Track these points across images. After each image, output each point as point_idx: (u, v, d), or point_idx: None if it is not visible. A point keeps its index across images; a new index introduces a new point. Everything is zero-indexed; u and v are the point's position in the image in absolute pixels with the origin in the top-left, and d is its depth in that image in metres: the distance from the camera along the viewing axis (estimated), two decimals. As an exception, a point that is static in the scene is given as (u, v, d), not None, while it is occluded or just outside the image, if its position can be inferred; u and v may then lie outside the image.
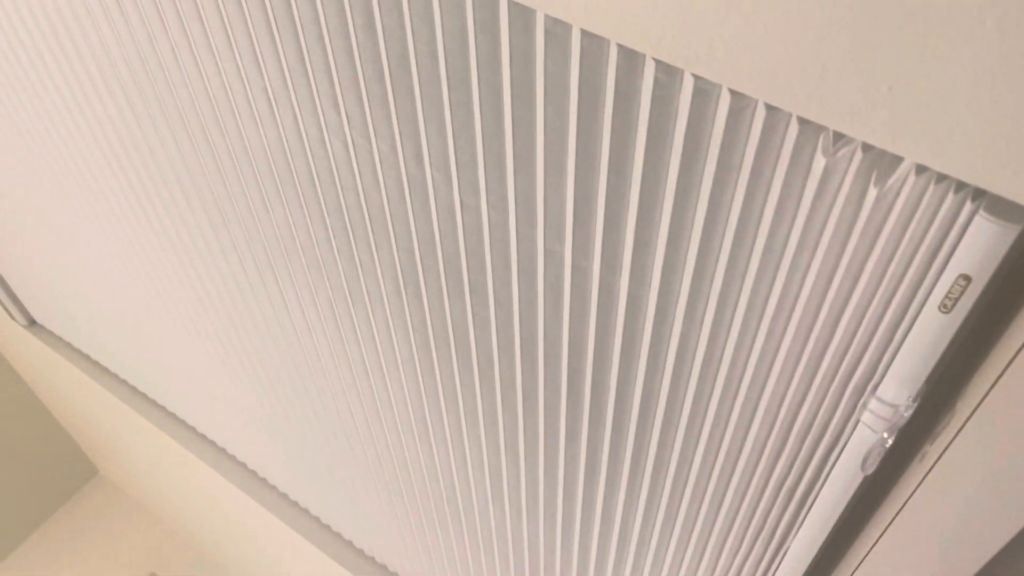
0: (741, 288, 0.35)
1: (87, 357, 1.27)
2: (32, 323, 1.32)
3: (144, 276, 0.81)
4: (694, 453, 0.46)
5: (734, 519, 0.49)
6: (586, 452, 0.53)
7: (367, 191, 0.47)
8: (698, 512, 0.51)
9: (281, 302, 0.65)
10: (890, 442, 0.35)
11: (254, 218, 0.57)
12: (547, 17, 0.31)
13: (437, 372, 0.58)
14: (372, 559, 1.04)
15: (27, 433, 1.88)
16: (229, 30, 0.44)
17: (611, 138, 0.33)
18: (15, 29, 0.59)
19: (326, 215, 0.51)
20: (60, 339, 1.30)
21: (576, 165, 0.35)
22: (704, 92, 0.29)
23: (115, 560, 1.98)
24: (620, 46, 0.30)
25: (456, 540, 0.80)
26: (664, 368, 0.42)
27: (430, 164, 0.42)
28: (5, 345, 1.59)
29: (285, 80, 0.44)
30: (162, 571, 1.94)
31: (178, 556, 1.96)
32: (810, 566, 0.46)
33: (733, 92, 0.28)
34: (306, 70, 0.42)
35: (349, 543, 1.06)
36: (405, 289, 0.52)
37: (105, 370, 1.25)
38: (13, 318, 1.32)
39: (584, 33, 0.30)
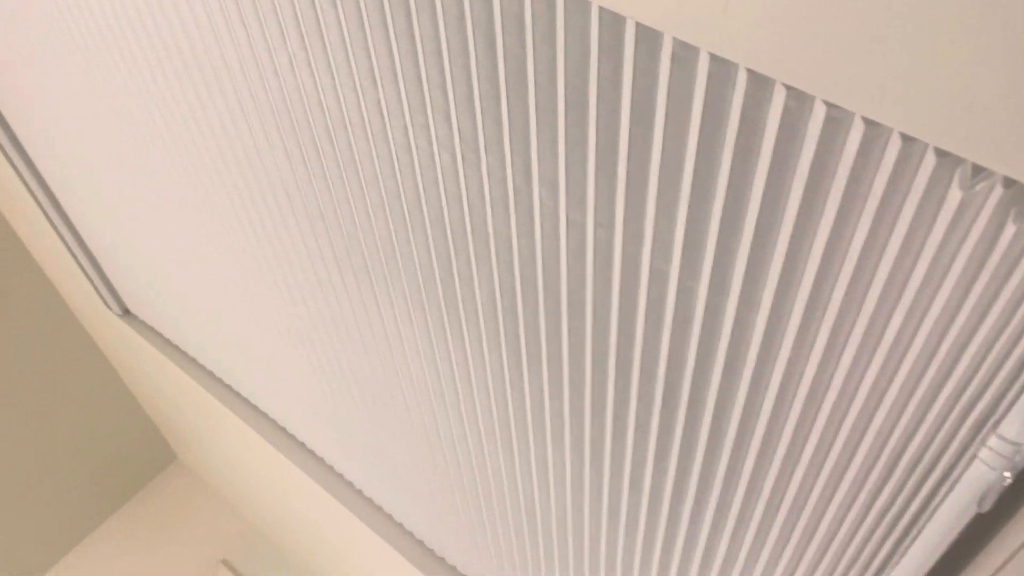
0: (857, 317, 0.35)
1: (176, 347, 1.32)
2: (125, 312, 1.38)
3: (239, 274, 0.84)
4: (791, 476, 0.46)
5: (828, 545, 0.48)
6: (675, 471, 0.53)
7: (472, 204, 0.48)
8: (790, 535, 0.50)
9: (375, 308, 0.66)
10: (1009, 480, 0.34)
11: (356, 225, 0.59)
12: (675, 40, 0.31)
13: (526, 384, 0.58)
14: (443, 560, 1.05)
15: (112, 418, 1.96)
16: (348, 44, 0.45)
17: (731, 163, 0.33)
18: (136, 33, 0.62)
19: (428, 226, 0.52)
20: (151, 329, 1.36)
21: (692, 187, 0.35)
22: (836, 120, 0.29)
23: (188, 544, 2.04)
24: (750, 71, 0.30)
25: (531, 549, 0.80)
26: (767, 391, 0.42)
27: (539, 180, 0.42)
28: (98, 332, 1.66)
29: (399, 93, 0.45)
30: (233, 558, 2.00)
31: (249, 544, 2.02)
32: (909, 601, 0.45)
33: (868, 121, 0.28)
34: (421, 84, 0.43)
35: (420, 542, 1.07)
36: (501, 301, 0.53)
37: (192, 360, 1.30)
38: (108, 307, 1.38)
39: (713, 57, 0.30)
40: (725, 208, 0.35)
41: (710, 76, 0.31)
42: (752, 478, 0.48)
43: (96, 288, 1.32)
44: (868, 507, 0.43)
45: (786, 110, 0.30)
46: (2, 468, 1.79)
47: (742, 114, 0.31)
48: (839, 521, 0.46)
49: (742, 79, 0.30)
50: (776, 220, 0.34)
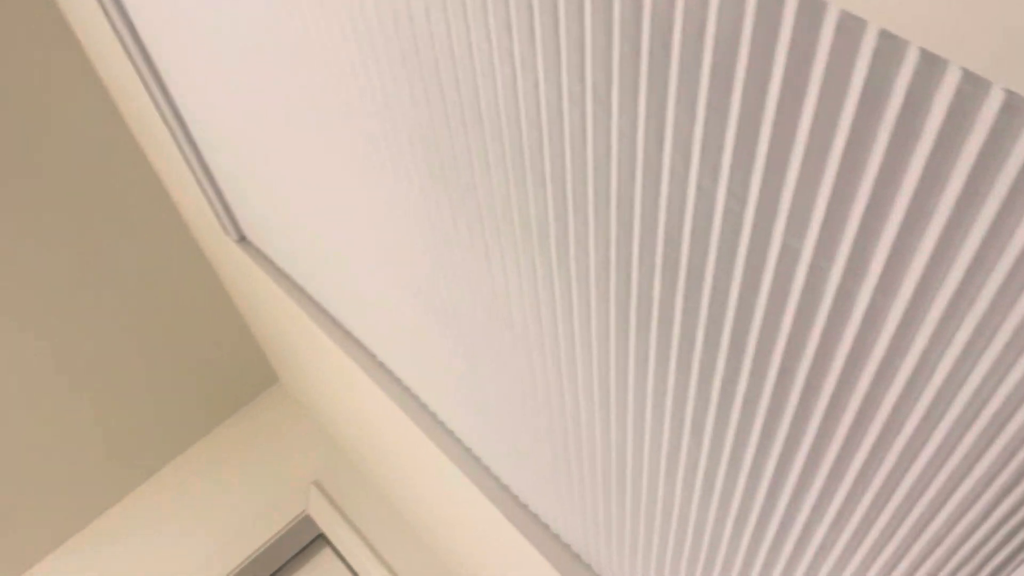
0: (1007, 316, 0.32)
1: (286, 276, 1.37)
2: (242, 239, 1.44)
3: (354, 213, 0.86)
4: (906, 471, 0.44)
5: (937, 544, 0.47)
6: (780, 454, 0.51)
7: (597, 163, 0.47)
8: (896, 528, 0.49)
9: (484, 258, 0.67)
10: None
11: (474, 175, 0.59)
12: (842, 12, 0.29)
13: (631, 349, 0.58)
14: (526, 507, 1.07)
15: (221, 338, 2.06)
16: (486, -7, 0.44)
17: (888, 144, 0.31)
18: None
19: (548, 182, 0.52)
20: (264, 256, 1.41)
21: (840, 166, 0.34)
22: (1013, 108, 0.27)
23: (283, 464, 2.15)
24: (923, 50, 0.28)
25: (616, 511, 0.80)
26: (894, 379, 0.40)
27: (672, 144, 0.41)
28: (215, 256, 1.74)
29: (534, 45, 0.44)
30: (324, 481, 2.10)
31: (341, 469, 2.11)
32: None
33: (1054, 111, 0.26)
34: (558, 38, 0.42)
35: (506, 488, 1.10)
36: (616, 263, 0.52)
37: (300, 289, 1.35)
38: (226, 232, 1.44)
39: (882, 33, 0.28)
40: (874, 190, 0.33)
41: (876, 51, 0.29)
42: (862, 469, 0.46)
43: (217, 214, 1.38)
44: (987, 513, 0.41)
45: (958, 93, 0.28)
46: (115, 377, 1.92)
47: (907, 93, 0.29)
48: (952, 523, 0.44)
49: (912, 57, 0.28)
50: (929, 206, 0.32)
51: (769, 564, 0.63)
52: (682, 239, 0.45)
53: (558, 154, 0.49)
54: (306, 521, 2.04)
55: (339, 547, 2.00)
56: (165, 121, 1.23)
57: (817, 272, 0.39)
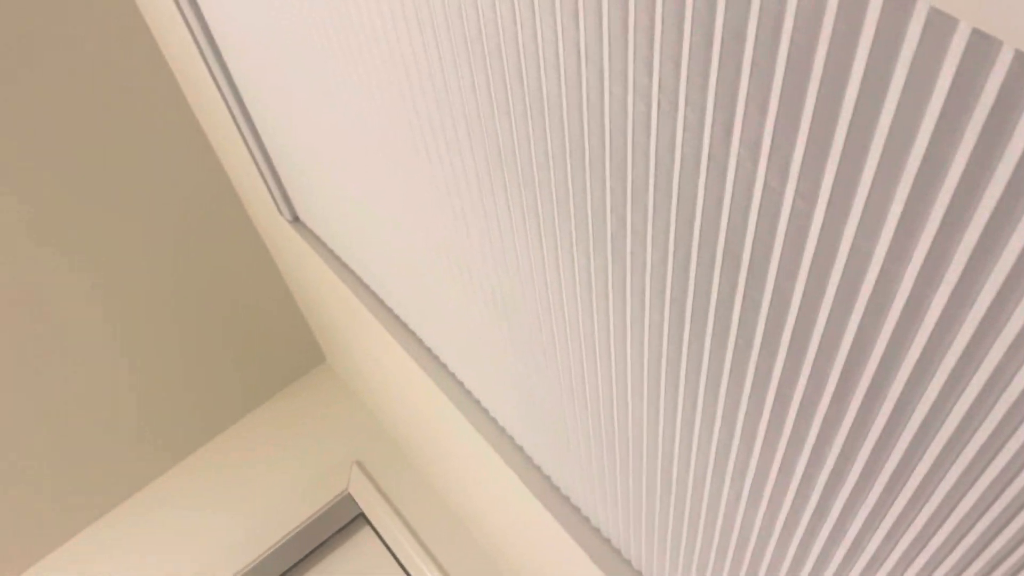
0: (1092, 332, 0.31)
1: (337, 257, 1.38)
2: (295, 219, 1.46)
3: (409, 197, 0.86)
4: (973, 484, 0.43)
5: (980, 551, 0.45)
6: (836, 460, 0.50)
7: (660, 157, 0.46)
8: (933, 534, 0.47)
9: (538, 247, 0.66)
10: None
11: (532, 165, 0.58)
12: (931, 9, 0.28)
13: (685, 346, 0.57)
14: (567, 499, 1.07)
15: (271, 316, 2.10)
16: (554, -20, 0.44)
17: (974, 148, 0.30)
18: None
19: (608, 175, 0.51)
20: (316, 237, 1.43)
21: (920, 169, 0.32)
22: (1117, 112, 0.25)
23: (326, 442, 2.18)
24: (1019, 52, 0.26)
25: (661, 509, 0.79)
26: (965, 391, 0.39)
27: (739, 140, 0.40)
28: (269, 235, 1.76)
29: (601, 36, 0.43)
30: (367, 461, 2.12)
31: (383, 451, 2.13)
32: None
33: None
34: (626, 29, 0.41)
35: (548, 478, 1.10)
36: (674, 258, 0.51)
37: (351, 272, 1.36)
38: (280, 212, 1.46)
39: (975, 31, 0.27)
40: (955, 196, 0.32)
41: (966, 49, 0.28)
42: (922, 483, 0.45)
43: (272, 195, 1.40)
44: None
45: (1056, 95, 0.26)
46: (166, 351, 1.96)
47: (998, 95, 0.28)
48: (997, 530, 0.42)
49: (1006, 58, 0.27)
50: (1016, 214, 0.30)
51: (816, 572, 0.62)
52: (745, 237, 0.44)
53: (620, 147, 0.48)
54: (347, 500, 2.07)
55: (378, 526, 2.02)
56: (227, 104, 1.25)
57: (888, 275, 0.38)
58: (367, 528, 2.10)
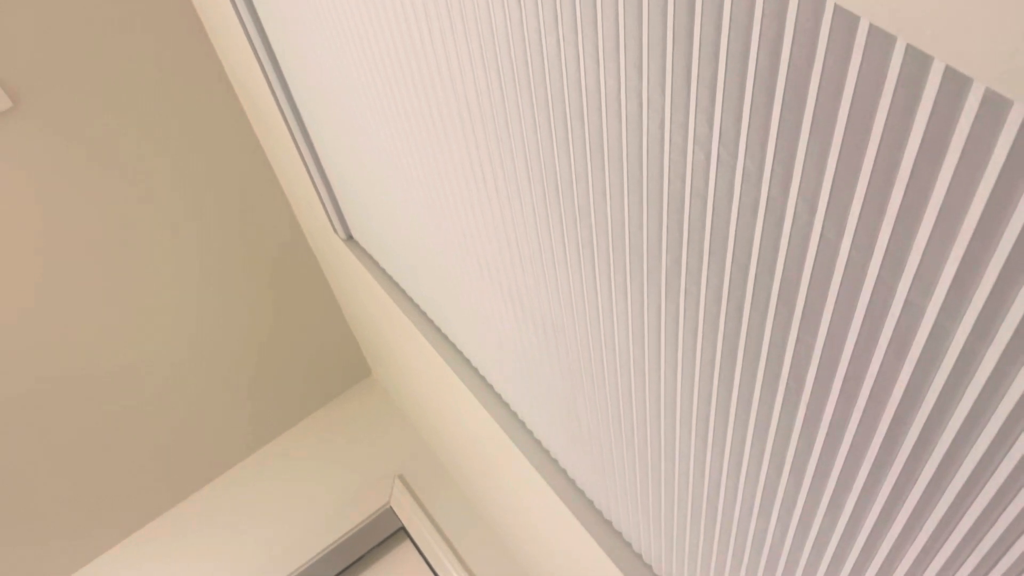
0: None
1: (388, 276, 1.42)
2: (349, 238, 1.49)
3: (463, 223, 0.89)
4: (1016, 539, 0.43)
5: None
6: (881, 509, 0.51)
7: (717, 203, 0.47)
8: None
9: (592, 282, 0.68)
10: None
11: (590, 202, 0.60)
12: (988, 90, 0.29)
13: (735, 387, 0.58)
14: (610, 523, 1.08)
15: (320, 330, 2.14)
16: (621, 32, 0.46)
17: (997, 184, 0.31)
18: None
19: (665, 216, 0.53)
20: (368, 256, 1.46)
21: (977, 227, 0.33)
22: None
23: (369, 456, 2.21)
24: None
25: (694, 531, 0.80)
26: (1010, 449, 0.39)
27: (797, 193, 0.41)
28: (322, 252, 1.81)
29: (663, 86, 0.45)
30: (409, 475, 2.15)
31: (425, 466, 2.16)
32: None
33: None
34: (689, 82, 0.43)
35: (591, 502, 1.10)
36: (728, 300, 0.53)
37: (401, 290, 1.39)
38: (335, 231, 1.50)
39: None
40: (1008, 262, 0.33)
41: (1022, 128, 0.29)
42: (951, 510, 0.45)
43: (328, 214, 1.44)
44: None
45: (1113, 172, 0.27)
46: (216, 362, 2.01)
47: (1056, 168, 0.29)
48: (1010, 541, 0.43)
49: (1064, 131, 0.28)
50: (1070, 281, 0.31)
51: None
52: (800, 285, 0.45)
53: (678, 191, 0.50)
54: (388, 513, 2.10)
55: (418, 540, 2.04)
56: (286, 122, 1.29)
57: (940, 331, 0.39)
58: (407, 542, 2.13)
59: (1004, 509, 0.43)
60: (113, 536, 2.16)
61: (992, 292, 0.35)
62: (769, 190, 0.43)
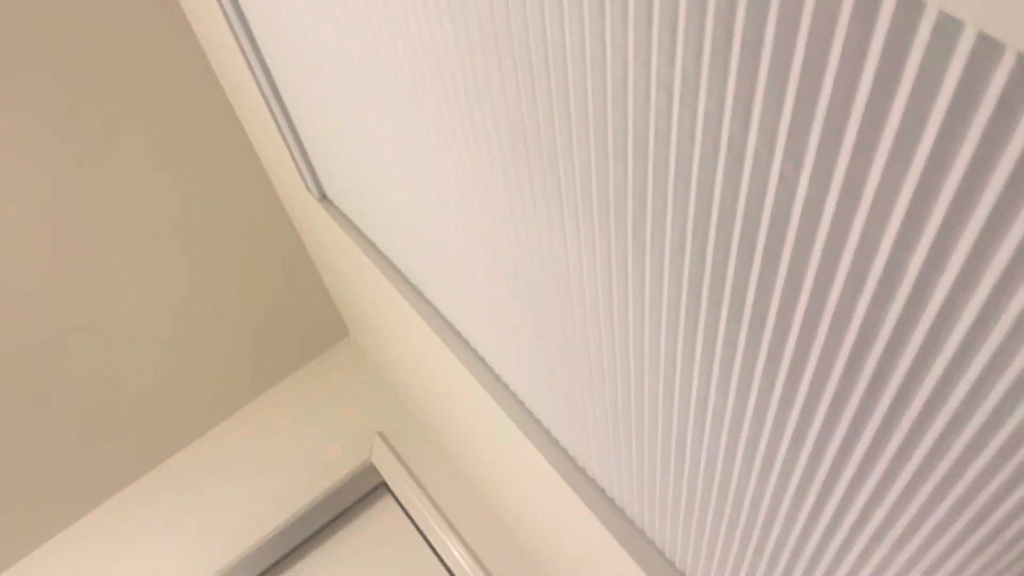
0: (1086, 319, 0.33)
1: (362, 235, 1.41)
2: (323, 198, 1.48)
3: (434, 178, 0.89)
4: (971, 462, 0.45)
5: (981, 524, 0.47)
6: (842, 439, 0.52)
7: (681, 144, 0.48)
8: (954, 521, 0.49)
9: (560, 230, 0.68)
10: None
11: (557, 151, 0.60)
12: (940, 12, 0.30)
13: (701, 327, 0.59)
14: (583, 470, 1.10)
15: (297, 291, 2.14)
16: (582, -26, 0.45)
17: (977, 144, 0.32)
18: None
19: (630, 161, 0.53)
20: (343, 215, 1.46)
21: (929, 159, 0.34)
22: (1108, 114, 0.27)
23: (349, 414, 2.23)
24: (1020, 54, 0.28)
25: (664, 475, 0.82)
26: (967, 372, 0.41)
27: (757, 130, 0.42)
28: (297, 212, 1.79)
29: (626, 28, 0.45)
30: (389, 432, 2.17)
31: (404, 423, 2.18)
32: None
33: None
34: (651, 21, 0.43)
35: (564, 450, 1.12)
36: (692, 242, 0.53)
37: (376, 249, 1.39)
38: (309, 190, 1.49)
39: (980, 35, 0.29)
40: (961, 185, 0.34)
41: (972, 53, 0.30)
42: (923, 463, 0.47)
43: (301, 173, 1.42)
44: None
45: (1052, 97, 0.28)
46: (193, 324, 2.01)
47: (1000, 97, 0.30)
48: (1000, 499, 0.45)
49: (1008, 61, 0.29)
50: (1013, 211, 0.32)
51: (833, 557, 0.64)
52: (760, 224, 0.46)
53: (642, 135, 0.50)
54: (370, 470, 2.12)
55: (399, 495, 2.07)
56: (257, 82, 1.27)
57: (894, 263, 0.40)
58: (388, 497, 2.15)
59: (958, 437, 0.45)
60: (96, 497, 2.17)
61: (944, 222, 0.36)
62: (730, 130, 0.44)
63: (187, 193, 1.76)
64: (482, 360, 1.23)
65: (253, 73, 1.27)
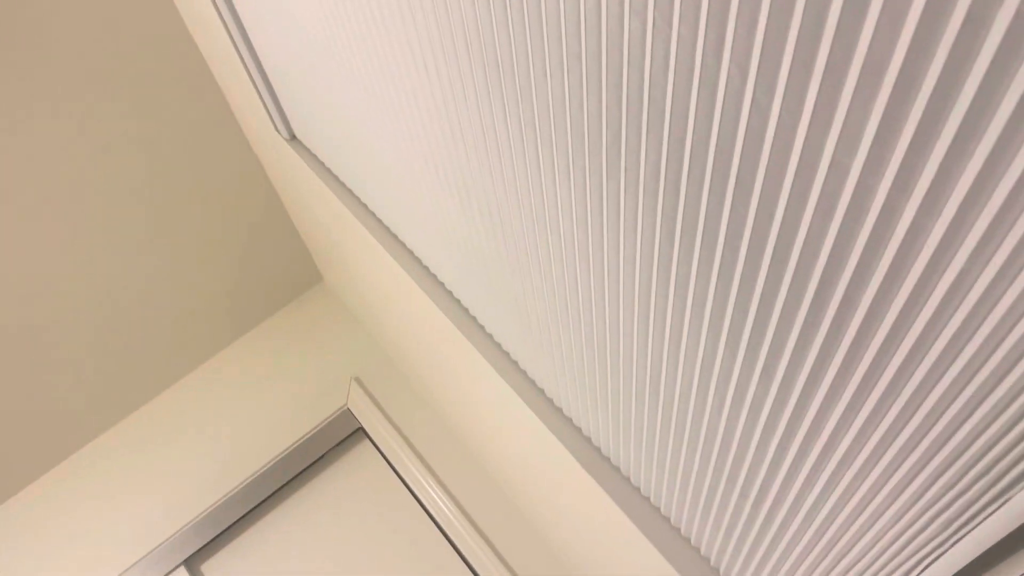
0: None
1: (333, 176, 1.40)
2: (292, 137, 1.46)
3: (405, 112, 0.87)
4: (937, 384, 0.46)
5: (956, 459, 0.49)
6: (811, 368, 0.54)
7: (654, 74, 0.48)
8: (917, 445, 0.51)
9: (535, 164, 0.68)
10: None
11: (531, 82, 0.60)
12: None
13: (675, 258, 0.59)
14: (560, 410, 1.12)
15: (268, 236, 2.11)
16: None
17: (943, 66, 0.32)
18: None
19: (604, 91, 0.53)
20: (313, 155, 1.44)
21: (896, 84, 0.34)
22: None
23: (325, 360, 2.23)
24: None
25: (638, 412, 0.84)
26: (927, 299, 0.42)
27: (730, 58, 0.42)
28: (266, 154, 1.77)
29: (599, -47, 0.45)
30: (364, 378, 2.17)
31: (380, 367, 2.18)
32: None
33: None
34: (624, -54, 0.43)
35: (541, 391, 1.14)
36: (666, 173, 0.54)
37: (348, 190, 1.38)
38: (277, 130, 1.46)
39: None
40: (928, 106, 0.34)
41: (942, -31, 0.30)
42: (893, 380, 0.48)
43: (269, 113, 1.40)
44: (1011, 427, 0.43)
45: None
46: (165, 270, 1.99)
47: (969, 9, 0.30)
48: (977, 434, 0.46)
49: (978, -24, 0.29)
50: (981, 126, 0.33)
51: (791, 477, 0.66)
52: (733, 154, 0.46)
53: (616, 63, 0.50)
54: (346, 414, 2.13)
55: (376, 439, 2.09)
56: (222, 19, 1.24)
57: (864, 188, 0.40)
58: (365, 441, 2.17)
59: (919, 362, 0.46)
60: (70, 445, 2.17)
61: (911, 145, 0.36)
62: (703, 57, 0.43)
63: (153, 139, 1.72)
64: (458, 302, 1.24)
65: (218, 10, 1.24)
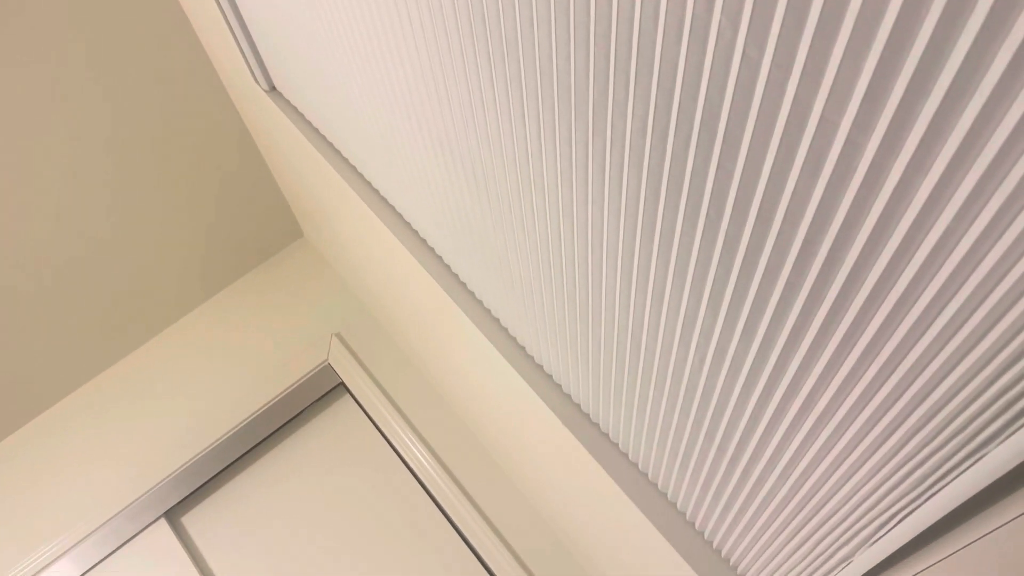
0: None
1: (315, 130, 1.38)
2: (272, 89, 1.43)
3: (387, 67, 0.86)
4: (917, 343, 0.46)
5: (938, 411, 0.50)
6: (792, 327, 0.54)
7: (644, 23, 0.47)
8: (896, 400, 0.52)
9: (521, 120, 0.67)
10: None
11: (517, 35, 0.59)
12: None
13: (660, 216, 0.59)
14: (541, 367, 1.12)
15: (249, 190, 2.09)
16: None
17: (937, 20, 0.31)
18: None
19: (592, 44, 0.52)
20: (293, 108, 1.41)
21: (887, 42, 0.34)
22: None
23: (304, 316, 2.22)
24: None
25: (619, 371, 0.84)
26: (912, 257, 0.42)
27: (720, 9, 0.41)
28: (244, 106, 1.73)
29: (590, -101, 0.43)
30: (345, 333, 2.17)
31: (360, 323, 2.18)
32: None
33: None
34: None
35: (523, 348, 1.14)
36: (653, 128, 0.53)
37: (329, 145, 1.36)
38: (257, 82, 1.44)
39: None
40: (916, 70, 0.34)
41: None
42: (870, 343, 0.49)
43: (248, 63, 1.37)
44: (989, 386, 0.44)
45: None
46: (143, 224, 1.96)
47: (966, -34, 0.29)
48: (956, 391, 0.47)
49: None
50: (972, 85, 0.32)
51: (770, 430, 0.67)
52: (722, 109, 0.46)
53: (604, 15, 0.49)
54: (327, 369, 2.13)
55: (357, 394, 2.10)
56: (197, -39, 1.20)
57: (851, 147, 0.40)
58: (347, 396, 2.18)
59: (900, 322, 0.46)
60: (48, 399, 2.16)
61: (900, 103, 0.36)
62: (694, 8, 0.43)
63: (131, 90, 1.68)
64: (439, 259, 1.23)
65: (195, -46, 1.20)
